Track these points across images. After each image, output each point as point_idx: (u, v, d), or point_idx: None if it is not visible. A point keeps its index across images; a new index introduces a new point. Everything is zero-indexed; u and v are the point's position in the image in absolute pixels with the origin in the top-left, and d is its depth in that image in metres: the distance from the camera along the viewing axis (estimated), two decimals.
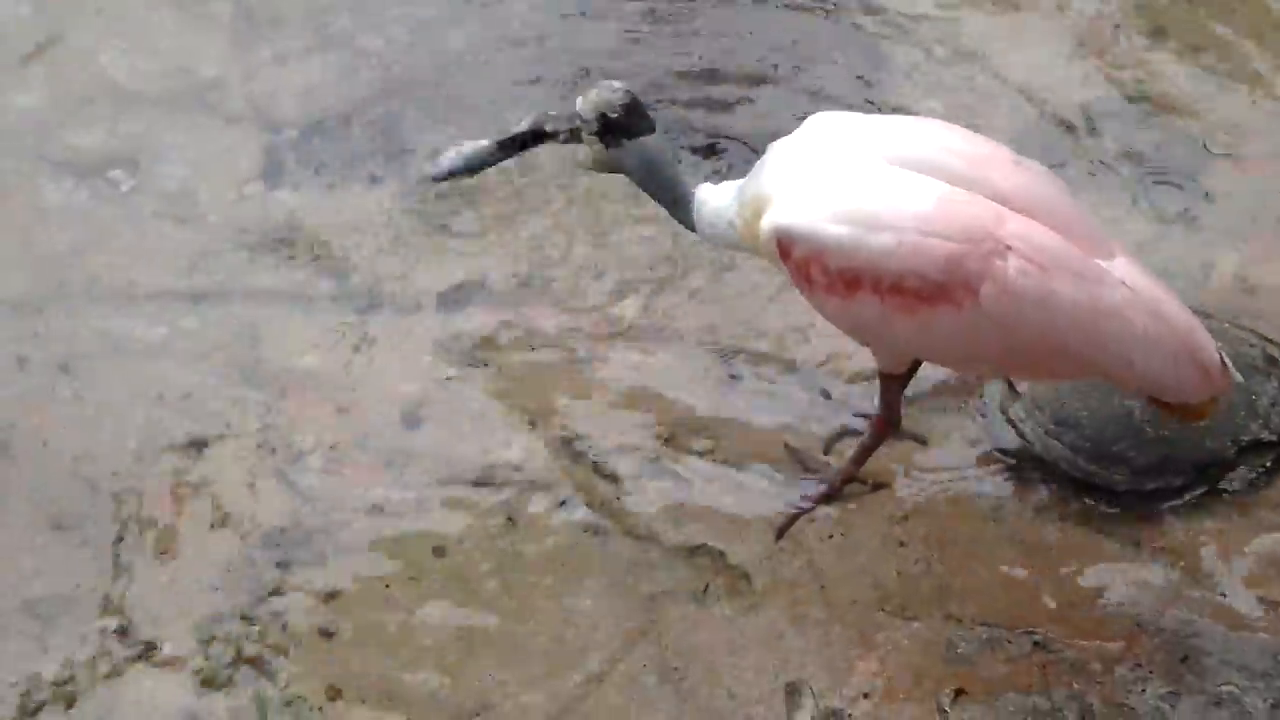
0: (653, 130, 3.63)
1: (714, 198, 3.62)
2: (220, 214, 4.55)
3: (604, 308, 4.31)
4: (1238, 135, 4.76)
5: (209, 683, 3.57)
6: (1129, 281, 3.34)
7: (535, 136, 3.66)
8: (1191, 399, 3.44)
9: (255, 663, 3.60)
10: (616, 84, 3.61)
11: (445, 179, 3.76)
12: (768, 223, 3.43)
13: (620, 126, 3.59)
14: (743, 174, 3.61)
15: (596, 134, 3.60)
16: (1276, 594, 3.69)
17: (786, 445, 3.96)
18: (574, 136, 3.65)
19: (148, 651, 3.62)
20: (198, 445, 4.00)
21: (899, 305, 3.35)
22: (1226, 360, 3.44)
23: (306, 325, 4.27)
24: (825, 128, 3.51)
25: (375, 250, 4.45)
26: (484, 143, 3.68)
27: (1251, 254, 4.43)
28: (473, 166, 3.70)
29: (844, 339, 3.71)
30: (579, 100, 3.60)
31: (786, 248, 3.42)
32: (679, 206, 3.67)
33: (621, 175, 3.71)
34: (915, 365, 3.76)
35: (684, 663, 3.60)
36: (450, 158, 3.69)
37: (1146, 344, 3.33)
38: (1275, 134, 4.77)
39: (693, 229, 3.68)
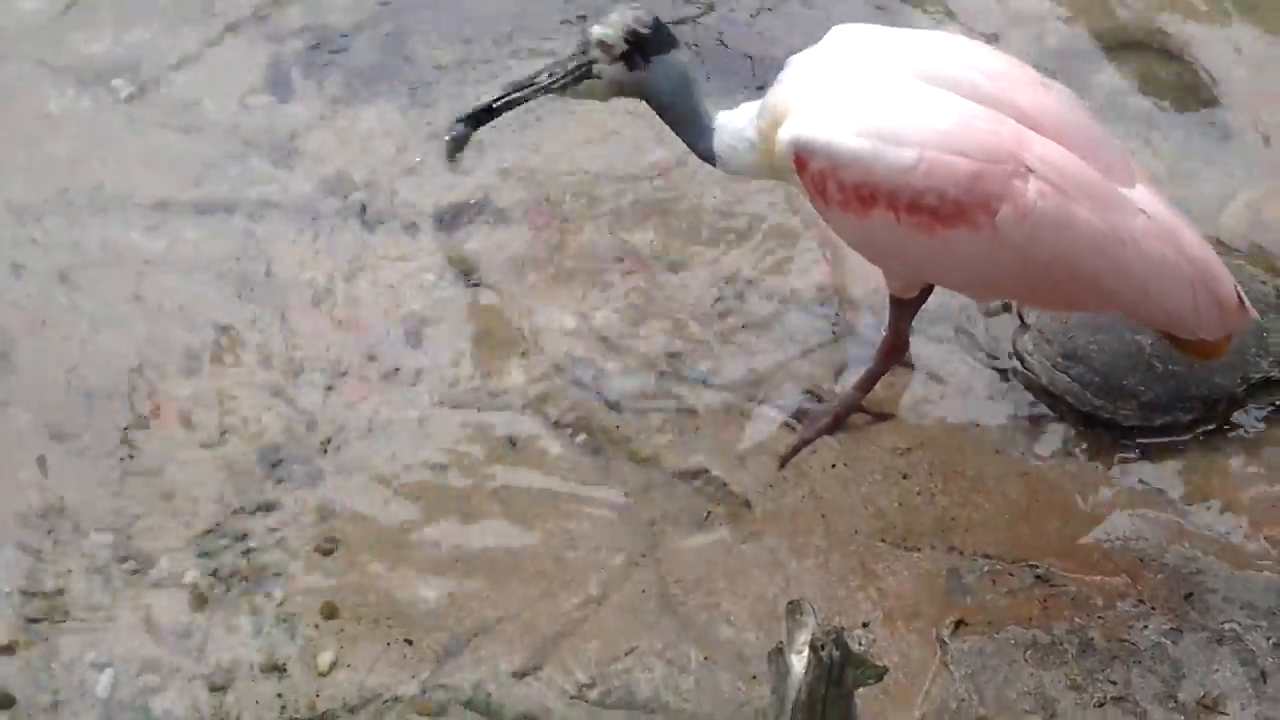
0: (677, 46, 3.56)
1: (732, 120, 3.55)
2: (224, 125, 4.50)
3: (611, 230, 4.26)
4: (1255, 70, 4.70)
5: (204, 598, 3.55)
6: (1148, 210, 3.30)
7: (546, 87, 3.62)
8: (1207, 334, 3.40)
9: (251, 579, 3.58)
10: (637, 4, 3.54)
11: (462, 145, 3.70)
12: (786, 133, 3.38)
13: (650, 43, 3.51)
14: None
15: (621, 56, 3.52)
16: None
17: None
18: (581, 72, 3.58)
19: (144, 565, 3.60)
20: (197, 358, 3.97)
21: (915, 224, 3.30)
22: (1244, 296, 3.39)
23: (309, 239, 4.23)
24: (848, 40, 3.45)
25: (379, 166, 4.40)
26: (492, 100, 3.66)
27: (1266, 190, 4.38)
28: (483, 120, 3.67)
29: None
30: (597, 28, 3.52)
31: (804, 160, 3.37)
32: (699, 133, 3.60)
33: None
34: (926, 292, 3.71)
35: (683, 588, 3.58)
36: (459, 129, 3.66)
37: (1163, 274, 3.29)
38: None
39: (710, 160, 3.61)
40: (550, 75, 3.60)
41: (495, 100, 3.65)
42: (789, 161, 3.40)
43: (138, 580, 3.57)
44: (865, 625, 3.51)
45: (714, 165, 3.63)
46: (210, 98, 4.57)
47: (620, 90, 3.60)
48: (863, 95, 3.33)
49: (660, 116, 3.64)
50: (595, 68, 3.56)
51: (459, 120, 3.66)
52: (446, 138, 3.67)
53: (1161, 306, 3.34)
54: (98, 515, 3.67)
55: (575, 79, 3.59)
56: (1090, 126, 3.39)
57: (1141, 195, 3.32)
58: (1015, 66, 3.40)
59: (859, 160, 3.28)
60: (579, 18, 4.71)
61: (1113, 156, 3.36)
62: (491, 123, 3.68)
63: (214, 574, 3.58)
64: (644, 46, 3.51)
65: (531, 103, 3.69)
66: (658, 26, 3.52)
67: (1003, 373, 3.97)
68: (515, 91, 3.63)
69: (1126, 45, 4.77)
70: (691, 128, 3.61)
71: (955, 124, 3.25)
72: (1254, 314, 3.45)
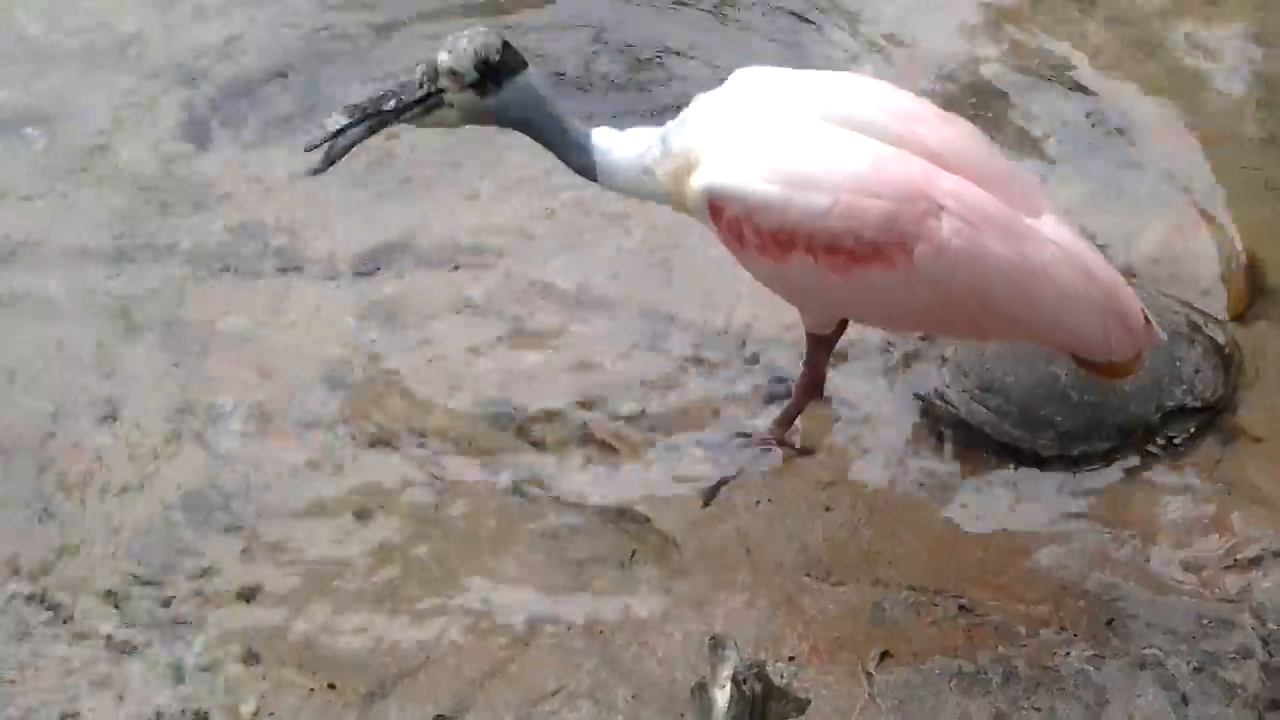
0: (527, 66, 3.46)
1: (622, 145, 3.50)
2: (138, 173, 4.48)
3: (536, 271, 4.26)
4: (1159, 106, 4.79)
5: (124, 647, 3.49)
6: (1057, 239, 3.34)
7: (393, 114, 3.45)
8: (1117, 356, 3.45)
9: (171, 627, 3.53)
10: (481, 28, 3.42)
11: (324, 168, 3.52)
12: (699, 181, 3.39)
13: (500, 68, 3.41)
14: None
15: (472, 84, 3.42)
16: (1200, 557, 3.71)
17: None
18: (432, 101, 3.44)
19: (61, 615, 3.54)
20: (115, 407, 3.92)
21: (833, 265, 3.32)
22: (1150, 317, 3.45)
23: (227, 286, 4.20)
24: (754, 83, 3.47)
25: (297, 212, 4.38)
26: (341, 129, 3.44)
27: (1175, 223, 4.45)
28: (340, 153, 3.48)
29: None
30: (443, 56, 3.39)
31: (719, 208, 3.39)
32: (572, 148, 3.52)
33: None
34: (842, 326, 3.74)
35: (610, 627, 3.57)
36: (321, 151, 3.46)
37: (1075, 301, 3.33)
38: (1196, 104, 4.80)
39: (588, 174, 3.55)
40: (397, 103, 3.45)
41: (339, 131, 3.44)
42: (703, 207, 3.42)
43: (55, 631, 3.51)
44: (791, 659, 3.51)
45: (592, 179, 3.55)
46: (125, 145, 4.54)
47: (474, 118, 3.49)
48: (774, 140, 3.35)
49: (526, 134, 3.54)
50: (446, 97, 3.44)
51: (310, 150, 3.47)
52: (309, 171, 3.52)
53: (1074, 333, 3.39)
54: (13, 566, 3.62)
55: (426, 110, 3.46)
56: (996, 159, 3.43)
57: (1049, 225, 3.36)
58: (919, 104, 3.44)
59: (774, 207, 3.31)
60: None
61: (1019, 188, 3.40)
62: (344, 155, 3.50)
63: (133, 622, 3.53)
64: (495, 72, 3.42)
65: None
66: (506, 49, 3.42)
67: (922, 405, 4.00)
68: (362, 121, 3.45)
69: (1037, 83, 4.84)
70: (560, 143, 3.52)
71: (867, 166, 3.28)
72: (1160, 333, 3.51)
